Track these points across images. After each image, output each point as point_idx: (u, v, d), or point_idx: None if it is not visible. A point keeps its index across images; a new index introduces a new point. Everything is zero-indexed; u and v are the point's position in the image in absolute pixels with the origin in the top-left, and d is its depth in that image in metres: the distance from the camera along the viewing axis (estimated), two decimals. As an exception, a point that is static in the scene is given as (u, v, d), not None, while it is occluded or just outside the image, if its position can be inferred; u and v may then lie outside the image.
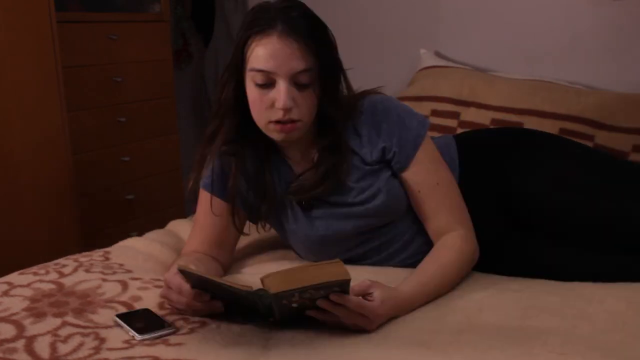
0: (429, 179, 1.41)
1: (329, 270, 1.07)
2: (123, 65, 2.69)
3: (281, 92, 1.28)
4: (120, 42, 2.66)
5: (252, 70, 1.30)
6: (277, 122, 1.31)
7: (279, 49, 1.27)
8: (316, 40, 1.30)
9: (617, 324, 1.14)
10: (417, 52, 2.60)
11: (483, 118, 2.21)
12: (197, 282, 1.17)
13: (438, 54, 2.60)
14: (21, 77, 2.12)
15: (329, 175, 1.38)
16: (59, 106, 2.23)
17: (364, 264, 1.45)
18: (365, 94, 1.44)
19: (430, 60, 2.55)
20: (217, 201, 1.45)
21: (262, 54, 1.28)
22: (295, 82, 1.29)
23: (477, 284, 1.35)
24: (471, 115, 2.24)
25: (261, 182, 1.43)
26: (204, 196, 1.47)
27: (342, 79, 1.39)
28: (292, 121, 1.31)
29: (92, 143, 2.58)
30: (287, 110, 1.29)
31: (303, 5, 1.35)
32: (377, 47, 2.74)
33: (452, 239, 1.36)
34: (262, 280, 1.08)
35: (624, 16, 2.22)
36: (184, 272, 1.16)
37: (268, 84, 1.29)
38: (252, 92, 1.32)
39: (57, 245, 2.20)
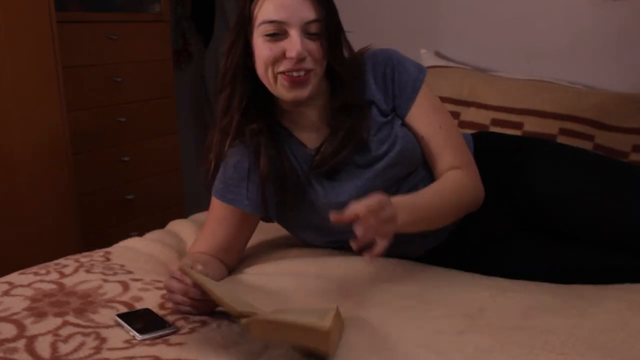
0: (431, 122, 1.43)
1: (313, 337, 1.01)
2: (123, 65, 2.69)
3: (294, 41, 1.29)
4: (120, 42, 2.66)
5: (263, 23, 1.31)
6: (288, 75, 1.31)
7: (289, 0, 1.30)
8: None
9: (618, 324, 1.14)
10: (417, 52, 2.60)
11: (483, 118, 2.21)
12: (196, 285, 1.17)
13: (438, 54, 2.60)
14: (21, 77, 2.12)
15: (349, 138, 1.38)
16: (59, 106, 2.23)
17: None
18: (364, 50, 1.48)
19: (430, 60, 2.55)
20: (230, 208, 1.43)
21: (272, 6, 1.30)
22: (306, 32, 1.31)
23: (479, 284, 1.35)
24: (471, 115, 2.24)
25: (280, 175, 1.40)
26: (216, 203, 1.45)
27: (343, 38, 1.41)
28: (305, 71, 1.31)
29: (92, 143, 2.58)
30: (300, 59, 1.30)
31: None
32: (377, 47, 2.72)
33: (454, 173, 1.39)
34: (246, 324, 1.03)
35: (625, 16, 2.22)
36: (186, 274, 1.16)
37: (279, 34, 1.31)
38: (260, 46, 1.33)
39: (57, 245, 2.20)
